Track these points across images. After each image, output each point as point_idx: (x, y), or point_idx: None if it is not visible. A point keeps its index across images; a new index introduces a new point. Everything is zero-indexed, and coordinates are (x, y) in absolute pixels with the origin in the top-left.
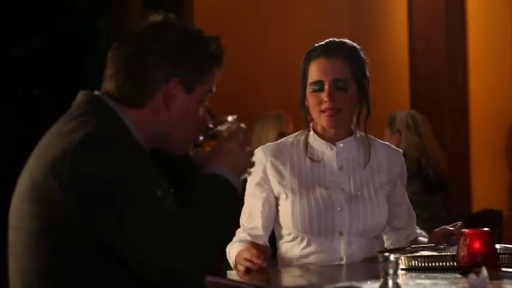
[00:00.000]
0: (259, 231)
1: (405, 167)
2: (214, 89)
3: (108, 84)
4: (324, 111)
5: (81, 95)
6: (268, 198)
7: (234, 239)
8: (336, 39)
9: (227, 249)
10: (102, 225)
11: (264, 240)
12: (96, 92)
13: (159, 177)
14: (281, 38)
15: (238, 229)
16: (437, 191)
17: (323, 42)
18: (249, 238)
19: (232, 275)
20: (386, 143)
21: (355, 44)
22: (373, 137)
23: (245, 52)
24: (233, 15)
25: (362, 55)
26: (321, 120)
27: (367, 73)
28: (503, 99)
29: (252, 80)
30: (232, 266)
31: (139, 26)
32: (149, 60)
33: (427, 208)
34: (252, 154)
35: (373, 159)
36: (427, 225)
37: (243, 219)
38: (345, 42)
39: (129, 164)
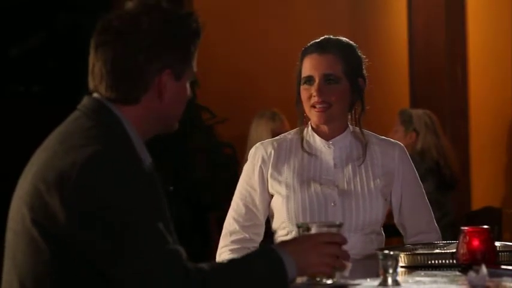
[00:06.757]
0: (260, 229)
1: (408, 160)
2: (195, 68)
3: (98, 84)
4: (313, 106)
5: (88, 101)
6: (264, 194)
7: (228, 239)
8: (332, 37)
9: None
10: (97, 248)
11: (261, 236)
12: (96, 95)
13: (163, 207)
14: (281, 38)
15: (229, 226)
16: (450, 189)
17: (318, 39)
18: (247, 236)
19: None
20: (383, 137)
21: (351, 42)
22: (370, 132)
23: (245, 52)
24: (233, 15)
25: (358, 53)
26: (312, 116)
27: (364, 71)
28: (503, 98)
29: (252, 80)
30: None
31: (117, 18)
32: (140, 58)
33: (440, 207)
34: (329, 266)
35: (368, 155)
36: (438, 225)
37: (237, 216)
38: (339, 39)
39: (134, 191)
